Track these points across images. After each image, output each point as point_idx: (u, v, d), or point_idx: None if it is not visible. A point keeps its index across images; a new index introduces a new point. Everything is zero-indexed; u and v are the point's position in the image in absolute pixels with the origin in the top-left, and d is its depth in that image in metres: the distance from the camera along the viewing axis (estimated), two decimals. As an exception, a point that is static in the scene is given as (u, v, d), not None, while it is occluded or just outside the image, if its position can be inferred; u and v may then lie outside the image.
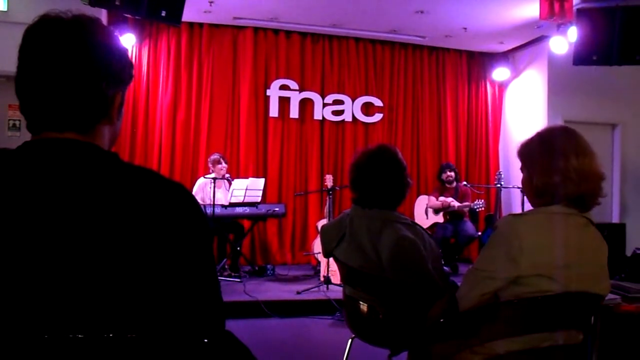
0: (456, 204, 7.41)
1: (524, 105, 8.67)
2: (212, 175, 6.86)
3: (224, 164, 6.96)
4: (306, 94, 8.28)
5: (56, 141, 1.10)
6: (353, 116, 8.44)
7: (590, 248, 1.94)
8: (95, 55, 1.12)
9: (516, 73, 8.86)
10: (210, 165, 7.02)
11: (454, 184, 7.67)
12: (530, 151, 2.04)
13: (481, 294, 1.94)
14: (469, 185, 7.78)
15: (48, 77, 1.09)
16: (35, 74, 1.10)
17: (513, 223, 1.94)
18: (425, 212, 7.77)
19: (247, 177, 7.19)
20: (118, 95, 1.18)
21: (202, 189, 6.88)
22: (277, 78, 8.18)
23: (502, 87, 9.18)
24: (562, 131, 2.04)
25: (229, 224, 7.00)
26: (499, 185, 7.53)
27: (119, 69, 1.17)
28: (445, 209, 7.51)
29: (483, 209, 7.49)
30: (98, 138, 1.16)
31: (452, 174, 7.68)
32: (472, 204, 7.36)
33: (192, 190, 6.82)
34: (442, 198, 7.57)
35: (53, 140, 1.10)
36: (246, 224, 7.44)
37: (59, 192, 1.04)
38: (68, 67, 1.09)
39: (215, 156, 7.01)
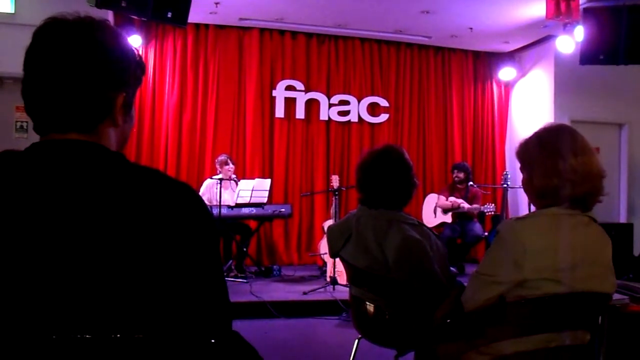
0: (466, 205, 7.39)
1: (530, 105, 8.65)
2: (220, 176, 6.87)
3: (231, 165, 6.98)
4: (312, 95, 8.29)
5: (61, 142, 1.11)
6: (359, 116, 8.45)
7: (595, 246, 1.93)
8: (95, 56, 1.12)
9: (522, 73, 8.83)
10: (217, 166, 7.04)
11: (464, 184, 7.64)
12: (529, 152, 2.03)
13: (486, 299, 1.93)
14: (476, 186, 7.76)
15: (51, 78, 1.10)
16: (39, 74, 1.11)
17: (515, 227, 1.93)
18: (433, 210, 7.76)
19: (253, 178, 7.19)
20: (120, 96, 1.17)
21: (209, 190, 6.89)
22: (283, 79, 8.20)
23: (508, 87, 9.16)
24: (560, 130, 2.02)
25: (235, 225, 7.01)
26: (505, 186, 7.50)
27: (120, 70, 1.16)
28: (454, 210, 7.49)
29: (492, 213, 7.46)
30: (103, 139, 1.16)
31: (462, 174, 7.63)
32: (482, 207, 7.34)
33: (199, 191, 6.85)
34: (452, 198, 7.55)
35: (58, 142, 1.11)
36: (252, 224, 7.44)
37: (66, 193, 1.04)
38: (71, 67, 1.10)
39: (222, 157, 7.02)
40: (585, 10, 6.27)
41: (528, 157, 2.03)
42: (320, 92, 8.32)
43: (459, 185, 7.65)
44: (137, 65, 1.21)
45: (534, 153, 2.00)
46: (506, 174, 7.63)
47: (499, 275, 1.90)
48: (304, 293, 5.87)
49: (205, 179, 7.16)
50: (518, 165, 2.10)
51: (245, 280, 6.42)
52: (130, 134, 1.27)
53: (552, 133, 2.01)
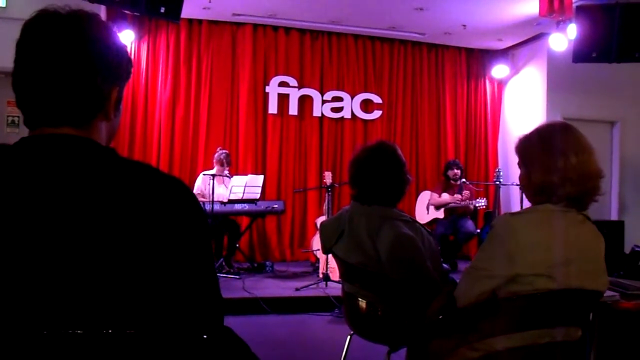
0: (458, 196, 7.40)
1: (523, 103, 8.67)
2: (213, 171, 6.84)
3: (225, 167, 6.90)
4: (305, 91, 8.28)
5: (52, 137, 1.10)
6: (352, 113, 8.44)
7: (588, 244, 1.94)
8: (91, 49, 1.12)
9: (515, 70, 8.85)
10: (214, 161, 6.95)
11: (459, 181, 7.67)
12: (529, 148, 2.02)
13: (479, 293, 1.94)
14: (468, 183, 7.78)
15: (42, 71, 1.09)
16: (30, 67, 1.10)
17: (510, 222, 1.93)
18: (426, 207, 7.78)
19: (246, 174, 7.17)
20: (114, 90, 1.17)
21: (204, 185, 6.85)
22: (276, 75, 8.18)
23: (501, 84, 9.18)
24: (561, 128, 2.02)
25: (224, 222, 6.96)
26: (498, 183, 7.53)
27: (115, 64, 1.17)
28: (445, 205, 7.52)
29: (484, 207, 7.49)
30: (95, 133, 1.15)
31: (459, 171, 7.68)
32: (474, 201, 7.36)
33: (194, 186, 6.82)
34: (444, 195, 7.58)
35: (49, 136, 1.10)
36: (245, 220, 7.43)
37: (56, 187, 1.03)
38: (62, 60, 1.09)
39: (221, 156, 6.90)
40: (579, 8, 6.29)
41: (528, 153, 2.02)
42: (314, 88, 8.32)
43: (453, 182, 7.67)
44: (128, 60, 1.21)
45: (535, 149, 1.99)
46: (499, 171, 7.66)
47: (492, 269, 1.91)
48: (297, 289, 5.87)
49: (198, 174, 7.13)
50: (512, 162, 2.10)
51: (237, 277, 6.41)
52: (118, 128, 1.27)
53: (553, 130, 2.01)
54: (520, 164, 2.06)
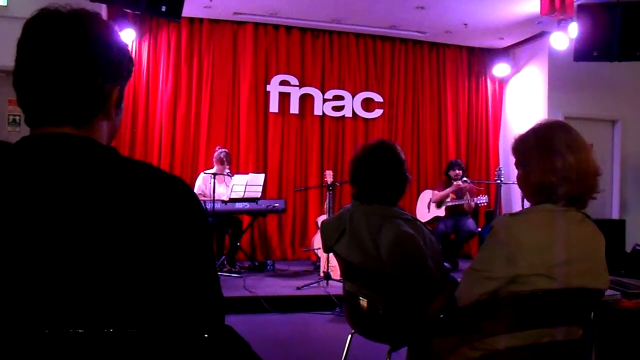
0: (459, 182, 7.40)
1: (524, 101, 8.66)
2: (214, 170, 6.84)
3: (226, 165, 6.90)
4: (306, 90, 8.28)
5: (53, 136, 1.10)
6: (353, 112, 8.45)
7: (588, 243, 1.93)
8: (92, 48, 1.12)
9: (516, 69, 8.85)
10: (214, 159, 6.95)
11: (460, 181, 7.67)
12: (526, 148, 2.01)
13: (479, 294, 1.93)
14: (469, 182, 7.78)
15: (43, 70, 1.09)
16: (31, 66, 1.10)
17: (509, 223, 1.92)
18: (427, 205, 7.79)
19: (247, 173, 7.18)
20: (115, 90, 1.17)
21: (204, 184, 6.85)
22: (277, 73, 8.18)
23: (502, 83, 9.17)
24: (558, 127, 2.01)
25: (227, 219, 6.97)
26: (499, 181, 7.53)
27: (116, 63, 1.16)
28: (446, 197, 7.52)
29: (485, 204, 7.49)
30: (96, 132, 1.15)
31: (460, 172, 7.68)
32: (475, 199, 7.36)
33: (194, 185, 6.82)
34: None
35: (50, 135, 1.10)
36: (246, 219, 7.44)
37: (57, 187, 1.03)
38: (63, 59, 1.09)
39: (221, 155, 6.89)
40: (580, 6, 6.29)
41: (524, 153, 2.01)
42: (315, 87, 8.32)
43: (454, 182, 7.66)
44: (129, 59, 1.21)
45: (532, 150, 1.98)
46: (500, 169, 7.66)
47: (492, 270, 1.90)
48: (298, 288, 5.87)
49: (199, 173, 7.14)
50: (513, 160, 2.09)
51: (238, 275, 6.42)
52: (119, 127, 1.27)
53: (549, 129, 2.00)
54: (517, 164, 2.05)
